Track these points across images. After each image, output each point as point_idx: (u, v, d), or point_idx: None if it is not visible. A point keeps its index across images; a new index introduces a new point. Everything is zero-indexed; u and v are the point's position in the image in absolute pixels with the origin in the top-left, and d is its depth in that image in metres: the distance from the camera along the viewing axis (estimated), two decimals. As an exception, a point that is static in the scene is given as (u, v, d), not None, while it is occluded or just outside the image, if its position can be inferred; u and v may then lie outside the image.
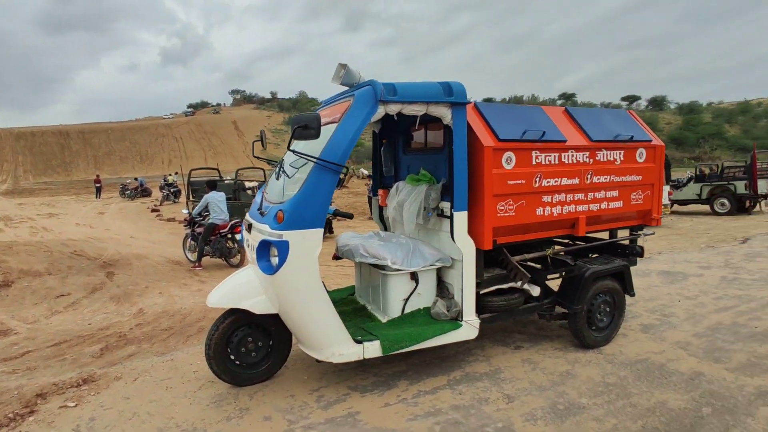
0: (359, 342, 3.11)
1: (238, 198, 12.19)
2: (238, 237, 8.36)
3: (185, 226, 9.83)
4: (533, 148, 3.50)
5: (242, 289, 3.19)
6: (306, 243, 2.85)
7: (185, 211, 9.96)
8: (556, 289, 4.07)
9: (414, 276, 3.49)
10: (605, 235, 4.30)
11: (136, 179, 30.63)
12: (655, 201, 4.22)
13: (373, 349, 3.11)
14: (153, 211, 19.91)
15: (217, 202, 8.42)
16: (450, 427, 2.82)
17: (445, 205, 3.54)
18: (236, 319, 3.26)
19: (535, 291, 3.84)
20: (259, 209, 3.17)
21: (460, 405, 3.07)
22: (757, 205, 13.98)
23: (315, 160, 2.85)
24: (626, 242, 4.30)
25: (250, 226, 3.34)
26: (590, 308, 3.87)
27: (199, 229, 8.54)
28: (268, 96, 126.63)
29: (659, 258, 7.49)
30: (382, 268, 3.46)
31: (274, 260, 2.92)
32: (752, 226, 10.81)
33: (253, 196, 13.07)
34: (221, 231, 8.36)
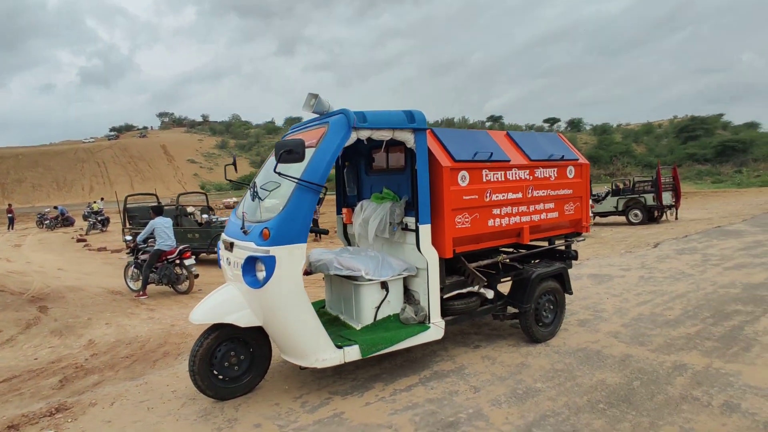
0: (339, 347, 3.37)
1: (180, 224, 11.91)
2: (187, 263, 8.24)
3: (128, 253, 9.46)
4: (483, 168, 4.01)
5: (226, 304, 3.35)
6: (291, 257, 3.10)
7: (128, 237, 9.60)
8: (506, 292, 4.57)
9: (384, 285, 3.82)
10: (545, 243, 4.89)
11: (55, 208, 28.39)
12: (584, 211, 4.89)
13: (352, 352, 3.38)
14: (79, 240, 18.65)
15: (164, 227, 8.27)
16: (428, 416, 3.14)
17: (409, 220, 3.93)
18: (219, 335, 3.40)
19: (490, 294, 4.30)
20: (242, 228, 3.36)
21: (433, 398, 3.41)
22: (664, 214, 15.83)
23: (298, 180, 3.13)
24: (563, 248, 4.92)
25: (231, 245, 3.51)
26: (537, 306, 4.40)
27: (144, 256, 8.30)
28: (199, 119, 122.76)
29: (587, 263, 8.38)
30: (355, 279, 3.76)
31: (261, 274, 3.13)
32: (661, 233, 12.29)
33: (196, 221, 12.84)
34: (168, 257, 8.20)
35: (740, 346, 4.16)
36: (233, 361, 3.48)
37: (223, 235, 3.80)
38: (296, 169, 3.26)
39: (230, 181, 4.04)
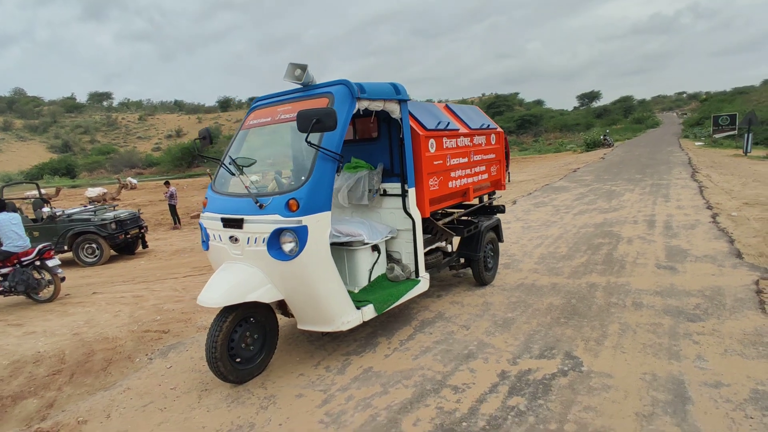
0: (357, 309, 3.54)
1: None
2: (50, 264, 6.89)
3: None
4: (444, 136, 4.48)
5: (243, 284, 3.21)
6: (321, 225, 3.15)
7: None
8: (454, 247, 5.20)
9: (375, 248, 4.06)
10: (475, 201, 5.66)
11: None
12: (502, 172, 5.79)
13: (369, 311, 3.59)
14: None
15: (11, 225, 6.81)
16: (446, 353, 3.59)
17: (387, 186, 4.22)
18: (236, 316, 3.24)
19: (449, 248, 4.88)
20: (257, 203, 3.21)
21: (439, 340, 3.86)
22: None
23: (318, 148, 3.15)
24: (493, 203, 5.77)
25: (239, 221, 3.30)
26: (484, 255, 5.15)
27: None
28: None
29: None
30: (349, 245, 3.91)
31: (289, 246, 3.10)
32: (507, 193, 14.60)
33: (28, 218, 10.50)
34: (22, 259, 6.78)
35: (618, 266, 5.57)
36: (249, 341, 3.36)
37: (215, 214, 3.52)
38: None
39: (203, 156, 3.70)
